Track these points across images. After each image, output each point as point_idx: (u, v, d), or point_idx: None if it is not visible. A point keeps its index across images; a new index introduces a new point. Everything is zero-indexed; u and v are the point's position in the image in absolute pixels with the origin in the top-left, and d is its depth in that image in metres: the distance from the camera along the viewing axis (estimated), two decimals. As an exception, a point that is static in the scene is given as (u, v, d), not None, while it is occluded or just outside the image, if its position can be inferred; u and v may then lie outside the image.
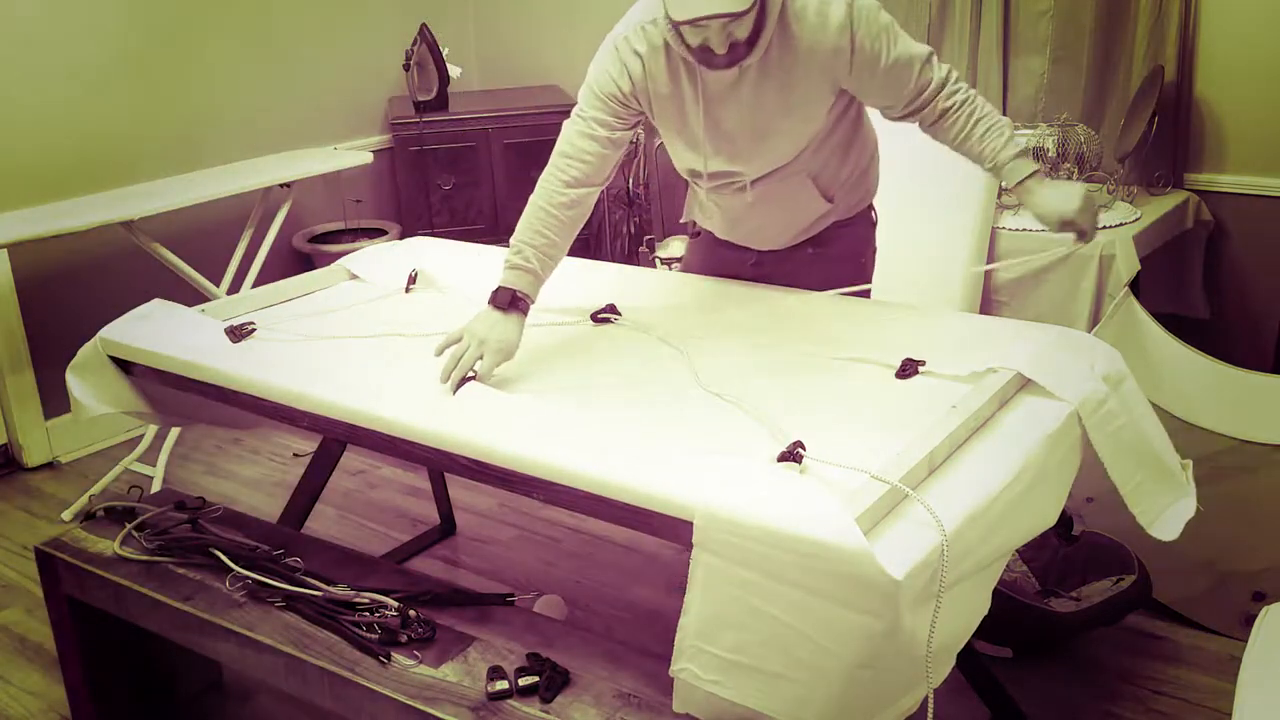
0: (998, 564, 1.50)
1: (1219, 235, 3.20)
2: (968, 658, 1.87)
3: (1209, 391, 2.57)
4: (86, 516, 2.21)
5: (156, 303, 2.30)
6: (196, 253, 3.50)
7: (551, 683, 1.61)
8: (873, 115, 2.14)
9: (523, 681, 1.62)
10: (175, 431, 3.38)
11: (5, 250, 3.28)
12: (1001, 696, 2.10)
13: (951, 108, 1.95)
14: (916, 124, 2.02)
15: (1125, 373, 1.81)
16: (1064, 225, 1.93)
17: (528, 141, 4.05)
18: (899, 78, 1.93)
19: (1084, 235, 1.94)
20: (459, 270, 2.46)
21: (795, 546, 1.32)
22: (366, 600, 1.80)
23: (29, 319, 3.43)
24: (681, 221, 2.44)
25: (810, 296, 2.14)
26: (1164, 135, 3.12)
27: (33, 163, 3.37)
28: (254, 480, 3.36)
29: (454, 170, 4.07)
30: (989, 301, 3.02)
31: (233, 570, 1.93)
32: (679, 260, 3.69)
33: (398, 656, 1.71)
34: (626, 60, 1.95)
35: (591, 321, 2.13)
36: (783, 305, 2.13)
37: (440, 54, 4.04)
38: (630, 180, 4.06)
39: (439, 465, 1.78)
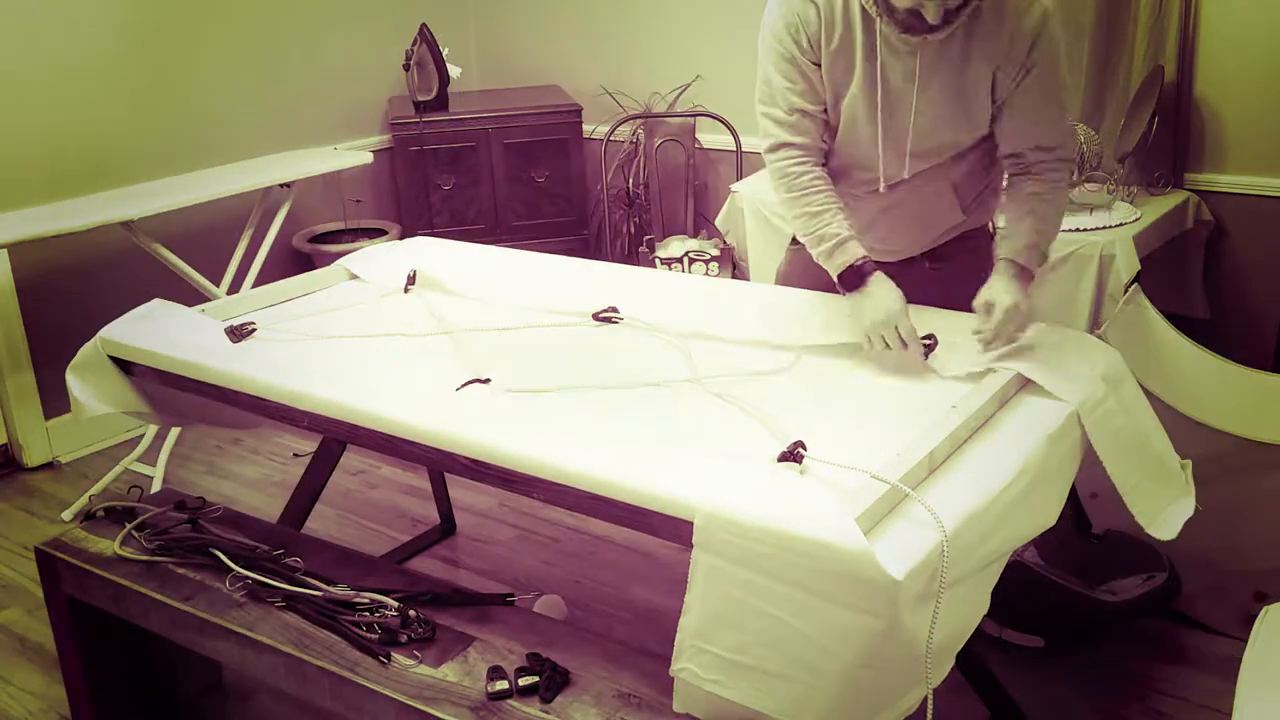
0: (997, 564, 1.51)
1: (1219, 235, 3.21)
2: (967, 657, 1.86)
3: (1217, 390, 2.57)
4: (86, 516, 2.21)
5: (156, 303, 2.30)
6: (196, 253, 3.50)
7: (551, 683, 1.61)
8: None
9: (523, 681, 1.62)
10: (175, 431, 3.38)
11: (5, 250, 3.28)
12: (1001, 696, 2.10)
13: (1043, 192, 1.92)
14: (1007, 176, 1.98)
15: (1125, 373, 1.81)
16: (986, 308, 1.83)
17: (528, 141, 4.03)
18: (1048, 115, 1.92)
19: (983, 333, 1.81)
20: (459, 270, 2.46)
21: (795, 546, 1.32)
22: (366, 600, 1.80)
23: (29, 319, 3.43)
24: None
25: (811, 294, 2.14)
26: (1164, 135, 3.13)
27: (33, 163, 3.37)
28: (254, 480, 3.36)
29: (454, 170, 4.07)
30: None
31: (233, 570, 1.93)
32: (679, 260, 3.69)
33: (398, 656, 1.71)
34: (800, 11, 1.93)
35: (593, 321, 2.13)
36: (783, 304, 2.13)
37: (440, 54, 4.04)
38: (630, 180, 4.05)
39: (439, 465, 1.78)
